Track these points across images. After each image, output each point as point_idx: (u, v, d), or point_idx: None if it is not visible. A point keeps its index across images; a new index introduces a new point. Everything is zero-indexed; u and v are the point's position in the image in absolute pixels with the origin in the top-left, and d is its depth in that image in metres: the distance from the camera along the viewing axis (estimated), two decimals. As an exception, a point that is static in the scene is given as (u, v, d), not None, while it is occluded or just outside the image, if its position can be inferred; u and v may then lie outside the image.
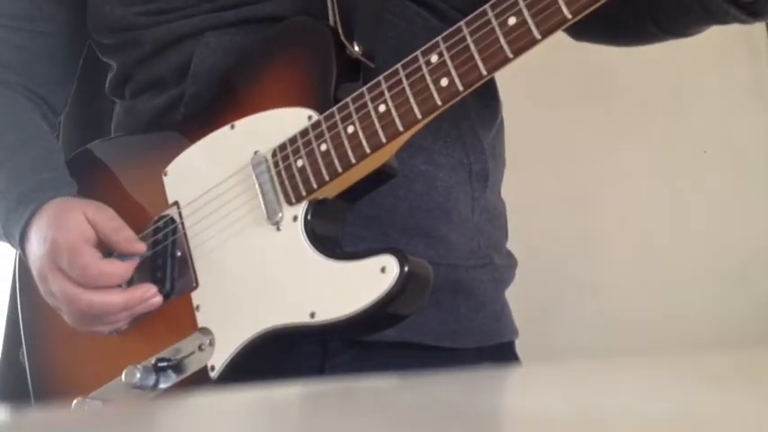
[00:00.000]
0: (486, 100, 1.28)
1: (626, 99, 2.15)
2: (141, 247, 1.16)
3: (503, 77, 1.17)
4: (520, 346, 1.32)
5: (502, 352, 1.28)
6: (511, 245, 1.35)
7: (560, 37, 1.29)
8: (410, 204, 1.17)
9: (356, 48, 1.10)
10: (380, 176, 1.08)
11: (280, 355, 1.10)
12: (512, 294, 1.33)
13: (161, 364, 1.14)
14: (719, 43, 2.12)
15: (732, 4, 1.04)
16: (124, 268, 1.15)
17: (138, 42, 1.25)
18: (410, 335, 1.13)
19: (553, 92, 2.13)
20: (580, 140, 2.24)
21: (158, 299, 1.16)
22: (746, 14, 1.05)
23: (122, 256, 1.16)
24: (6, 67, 1.31)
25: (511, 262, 1.32)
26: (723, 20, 1.07)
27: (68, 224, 1.15)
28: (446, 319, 1.19)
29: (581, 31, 1.28)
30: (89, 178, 1.28)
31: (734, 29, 1.10)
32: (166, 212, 1.19)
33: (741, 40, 2.16)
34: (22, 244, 1.21)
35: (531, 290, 2.08)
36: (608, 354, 1.95)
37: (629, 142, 2.21)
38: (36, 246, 1.17)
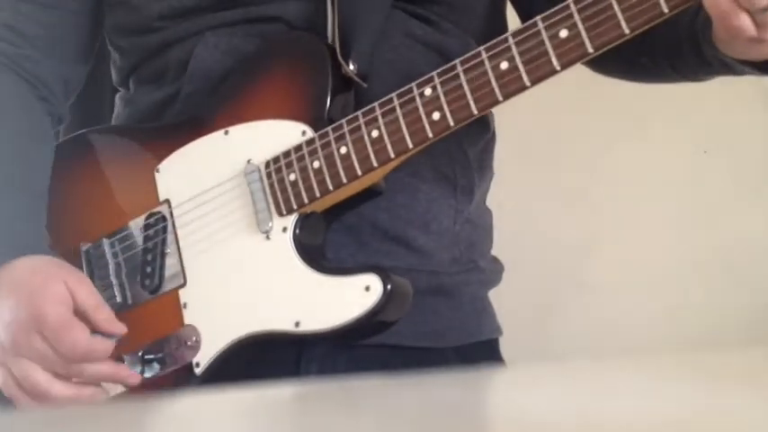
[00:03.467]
0: None
1: (626, 99, 2.15)
2: (122, 329, 1.18)
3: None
4: (519, 347, 1.37)
5: (483, 350, 1.34)
6: (511, 245, 1.39)
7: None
8: (391, 215, 1.23)
9: (351, 66, 1.17)
10: (367, 194, 1.16)
11: (257, 350, 1.18)
12: (511, 294, 1.36)
13: (147, 357, 1.22)
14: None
15: (748, 65, 1.10)
16: (109, 346, 1.16)
17: (147, 42, 1.31)
18: (386, 337, 1.18)
19: (553, 91, 2.15)
20: (580, 140, 2.28)
21: (136, 380, 1.19)
22: (760, 71, 1.11)
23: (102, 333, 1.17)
24: (31, 43, 1.34)
25: (497, 267, 1.38)
26: (740, 74, 1.14)
27: (53, 293, 1.15)
28: (426, 318, 1.25)
29: (600, 67, 1.33)
30: (80, 165, 1.34)
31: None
32: (158, 209, 1.26)
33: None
34: None
35: (530, 290, 2.14)
36: (607, 354, 1.98)
37: (629, 142, 2.26)
38: (9, 309, 1.16)
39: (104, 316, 1.17)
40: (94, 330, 1.16)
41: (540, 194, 2.28)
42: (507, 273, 1.39)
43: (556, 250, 2.26)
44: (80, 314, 1.16)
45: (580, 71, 1.68)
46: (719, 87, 2.11)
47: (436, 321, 1.27)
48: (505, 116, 1.36)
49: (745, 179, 2.23)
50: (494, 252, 1.39)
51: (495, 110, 1.34)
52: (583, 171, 2.29)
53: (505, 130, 1.41)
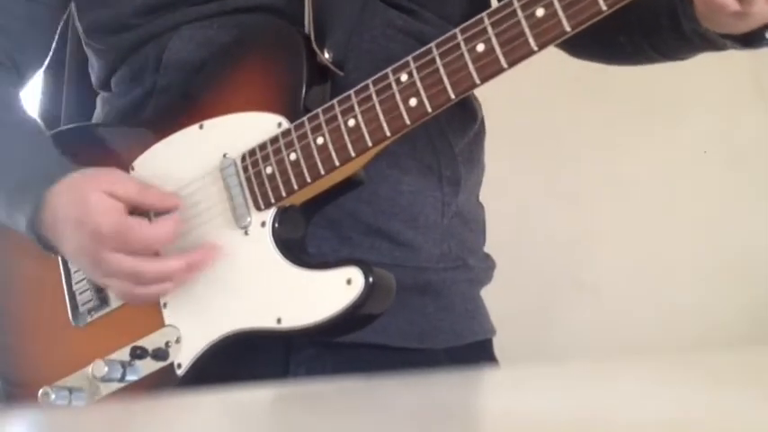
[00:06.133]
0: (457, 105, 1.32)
1: (626, 99, 2.17)
2: (176, 201, 1.18)
3: (505, 77, 1.21)
4: (516, 347, 1.37)
5: (475, 351, 1.32)
6: (509, 244, 1.38)
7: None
8: (373, 208, 1.22)
9: (326, 55, 1.16)
10: (347, 185, 1.15)
11: (244, 351, 1.17)
12: (511, 295, 1.36)
13: (128, 359, 1.20)
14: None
15: (728, 38, 1.10)
16: (174, 223, 1.16)
17: (123, 41, 1.31)
18: (373, 337, 1.18)
19: (554, 91, 2.15)
20: (580, 140, 2.29)
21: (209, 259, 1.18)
22: (741, 45, 1.11)
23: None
24: (6, 35, 1.34)
25: (488, 264, 1.37)
26: (721, 49, 1.14)
27: (96, 207, 1.13)
28: (414, 319, 1.24)
29: (578, 50, 1.32)
30: None
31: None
32: None
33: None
34: (34, 227, 1.19)
35: (531, 289, 2.15)
36: (607, 354, 1.99)
37: (629, 142, 2.26)
38: (71, 234, 1.15)
39: (154, 197, 1.17)
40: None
41: (539, 193, 2.28)
42: (505, 271, 1.39)
43: (554, 249, 2.26)
44: (134, 207, 1.15)
45: (579, 69, 1.68)
46: (719, 87, 2.14)
47: (425, 323, 1.26)
48: (503, 113, 1.36)
49: (745, 179, 2.24)
50: (491, 251, 1.38)
51: (492, 106, 1.35)
52: (582, 169, 2.30)
53: (503, 127, 1.41)
